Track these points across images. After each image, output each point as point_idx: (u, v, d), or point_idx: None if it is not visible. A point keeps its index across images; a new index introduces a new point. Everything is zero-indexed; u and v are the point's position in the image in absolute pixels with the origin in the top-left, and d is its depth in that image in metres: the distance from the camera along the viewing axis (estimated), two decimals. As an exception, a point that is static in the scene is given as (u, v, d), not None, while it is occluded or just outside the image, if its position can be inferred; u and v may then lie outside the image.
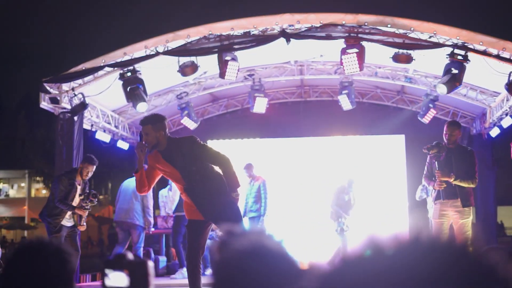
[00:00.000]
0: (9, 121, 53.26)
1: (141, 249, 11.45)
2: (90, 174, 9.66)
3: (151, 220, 11.58)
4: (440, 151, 8.36)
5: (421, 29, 10.44)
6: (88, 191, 9.52)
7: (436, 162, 8.32)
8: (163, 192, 13.19)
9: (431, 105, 13.24)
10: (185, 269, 11.59)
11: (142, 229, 11.45)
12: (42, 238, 2.33)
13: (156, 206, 13.66)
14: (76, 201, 9.45)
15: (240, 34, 10.87)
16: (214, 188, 6.46)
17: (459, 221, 8.25)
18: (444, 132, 8.45)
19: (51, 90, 11.47)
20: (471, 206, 8.33)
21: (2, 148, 50.30)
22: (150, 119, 6.56)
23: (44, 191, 47.27)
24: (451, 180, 8.19)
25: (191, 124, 14.32)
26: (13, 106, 57.01)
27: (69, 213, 9.50)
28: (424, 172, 8.66)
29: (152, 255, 12.64)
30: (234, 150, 14.35)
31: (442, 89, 10.85)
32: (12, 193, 49.75)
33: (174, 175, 6.54)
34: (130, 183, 11.56)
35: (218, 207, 6.44)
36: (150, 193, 11.58)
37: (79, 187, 9.50)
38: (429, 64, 12.01)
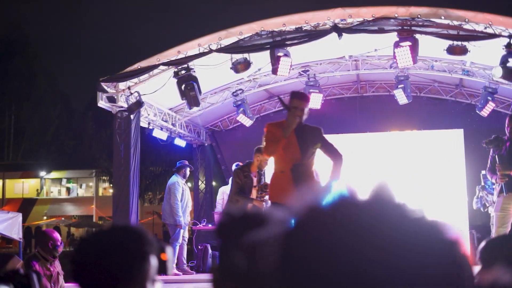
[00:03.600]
0: (77, 123, 54.68)
1: (177, 244, 11.85)
2: (265, 164, 9.53)
3: (177, 218, 11.96)
4: (500, 145, 8.19)
5: (476, 20, 10.23)
6: (262, 183, 9.55)
7: (496, 156, 8.15)
8: (225, 189, 13.31)
9: (489, 98, 12.95)
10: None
11: (174, 227, 11.97)
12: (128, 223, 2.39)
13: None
14: (253, 194, 9.57)
15: (292, 30, 10.88)
16: (312, 175, 6.86)
17: None
18: (506, 125, 8.28)
19: (108, 89, 11.75)
20: None
21: (71, 149, 51.69)
22: (307, 98, 7.04)
23: (111, 190, 48.26)
24: None
25: (246, 121, 14.40)
26: (81, 108, 58.47)
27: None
28: (488, 165, 8.48)
29: (210, 251, 12.77)
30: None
31: (497, 72, 10.46)
32: (81, 192, 50.98)
33: (292, 149, 6.79)
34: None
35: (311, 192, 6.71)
36: (174, 192, 11.93)
37: (254, 179, 9.58)
38: (487, 56, 11.73)
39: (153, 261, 2.29)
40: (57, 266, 7.03)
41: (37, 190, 48.52)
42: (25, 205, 43.73)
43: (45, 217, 45.27)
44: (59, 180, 51.07)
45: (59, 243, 6.83)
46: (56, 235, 6.91)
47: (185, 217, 12.06)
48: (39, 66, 51.39)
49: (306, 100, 6.89)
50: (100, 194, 49.21)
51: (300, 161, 6.76)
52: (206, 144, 16.74)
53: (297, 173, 6.73)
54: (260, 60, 11.57)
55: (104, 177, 45.15)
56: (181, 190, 12.03)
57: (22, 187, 49.00)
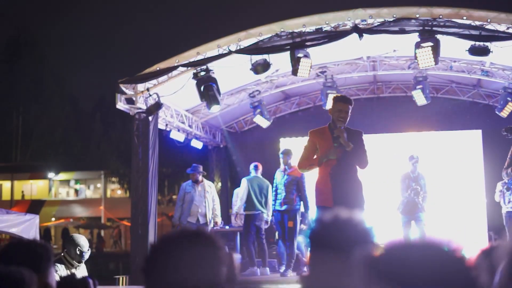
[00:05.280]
0: (85, 124, 54.68)
1: None
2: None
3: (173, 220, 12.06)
4: None
5: (498, 20, 10.13)
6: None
7: None
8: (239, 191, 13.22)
9: (509, 99, 12.84)
10: (256, 267, 11.68)
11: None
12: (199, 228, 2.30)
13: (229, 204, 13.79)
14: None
15: (312, 30, 10.80)
16: (353, 179, 6.93)
17: None
18: None
19: (127, 91, 11.70)
20: None
21: (79, 150, 51.67)
22: (350, 100, 7.08)
23: (119, 192, 48.24)
24: None
25: (263, 123, 14.34)
26: (89, 109, 58.50)
27: None
28: (505, 165, 8.39)
29: (227, 252, 12.68)
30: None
31: None
32: (89, 193, 50.96)
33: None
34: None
35: (352, 197, 6.85)
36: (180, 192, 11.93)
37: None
38: (507, 57, 11.64)
39: (224, 270, 2.21)
40: (82, 271, 6.97)
41: (22, 192, 48.50)
42: (34, 207, 43.66)
43: (53, 219, 45.25)
44: (67, 182, 51.06)
45: (86, 250, 6.76)
46: (84, 241, 6.85)
47: (183, 216, 11.77)
48: (47, 68, 51.29)
49: (348, 101, 7.02)
50: (108, 195, 49.15)
51: (337, 165, 6.79)
52: (221, 146, 16.68)
53: (334, 176, 6.79)
54: (278, 61, 11.51)
55: (113, 179, 45.14)
56: (183, 192, 11.92)
57: (30, 188, 49.00)
